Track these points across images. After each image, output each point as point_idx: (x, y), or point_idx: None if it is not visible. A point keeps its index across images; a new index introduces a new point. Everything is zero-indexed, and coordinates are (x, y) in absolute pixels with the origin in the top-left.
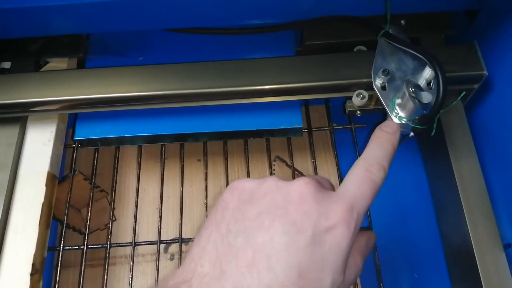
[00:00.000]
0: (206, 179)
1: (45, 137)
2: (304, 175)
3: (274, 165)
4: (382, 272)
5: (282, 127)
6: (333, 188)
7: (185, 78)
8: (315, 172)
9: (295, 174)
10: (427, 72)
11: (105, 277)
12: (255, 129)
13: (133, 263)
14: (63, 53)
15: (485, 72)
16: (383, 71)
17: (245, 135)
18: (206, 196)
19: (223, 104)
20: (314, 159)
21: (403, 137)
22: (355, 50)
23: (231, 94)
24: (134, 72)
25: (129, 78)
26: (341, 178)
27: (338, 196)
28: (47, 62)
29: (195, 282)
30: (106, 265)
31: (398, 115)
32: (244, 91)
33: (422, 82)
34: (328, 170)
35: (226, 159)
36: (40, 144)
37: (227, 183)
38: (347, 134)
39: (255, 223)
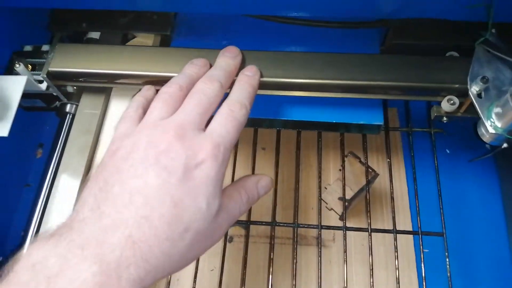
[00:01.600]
0: (277, 166)
1: None
2: (378, 174)
3: (345, 161)
4: (452, 278)
5: (361, 122)
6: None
7: (272, 66)
8: (390, 173)
9: (369, 172)
10: None
11: None
12: (333, 121)
13: None
14: (151, 29)
15: None
16: (482, 78)
17: (321, 127)
18: (276, 183)
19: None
20: (390, 159)
21: (494, 147)
22: (447, 55)
23: (318, 86)
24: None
25: (213, 60)
26: (416, 182)
27: (205, 135)
28: (134, 37)
29: (75, 225)
30: None
31: (493, 125)
32: (332, 84)
33: None
34: (399, 172)
35: (298, 149)
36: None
37: (297, 174)
38: (419, 138)
39: (130, 173)
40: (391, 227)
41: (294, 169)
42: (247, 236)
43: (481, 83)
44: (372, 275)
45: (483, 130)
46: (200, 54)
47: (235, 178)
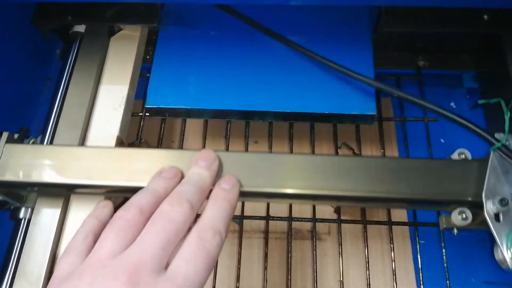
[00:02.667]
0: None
1: (116, 103)
2: None
3: (338, 153)
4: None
5: (353, 113)
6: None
7: (254, 172)
8: None
9: None
10: None
11: None
12: (325, 112)
13: None
14: (138, 21)
15: None
16: (501, 200)
17: (313, 118)
18: None
19: (295, 87)
20: (383, 149)
21: None
22: (456, 155)
23: (310, 196)
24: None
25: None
26: None
27: (166, 280)
28: (120, 29)
29: None
30: None
31: None
32: (325, 195)
33: None
34: None
35: (291, 140)
36: (110, 110)
37: None
38: (413, 127)
39: None
40: (386, 219)
41: None
42: (241, 231)
43: (499, 205)
44: (368, 268)
45: (500, 256)
46: (170, 156)
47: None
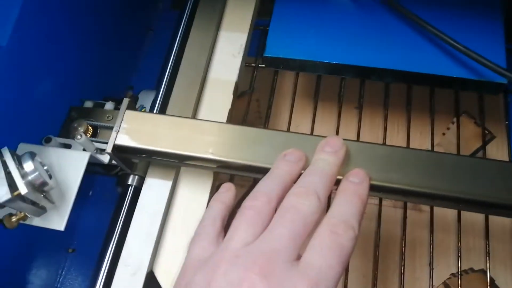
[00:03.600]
0: (386, 120)
1: (235, 50)
2: (494, 136)
3: (453, 122)
4: None
5: (482, 79)
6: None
7: (385, 166)
8: (508, 136)
9: (485, 134)
10: None
11: None
12: (450, 75)
13: None
14: None
15: None
16: None
17: (434, 82)
18: (384, 137)
19: (418, 49)
20: (508, 121)
21: None
22: None
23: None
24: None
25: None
26: None
27: (299, 271)
28: None
29: None
30: None
31: None
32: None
33: None
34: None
35: (409, 104)
36: (230, 56)
37: (408, 130)
38: None
39: None
40: None
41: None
42: None
43: None
44: None
45: None
46: (290, 139)
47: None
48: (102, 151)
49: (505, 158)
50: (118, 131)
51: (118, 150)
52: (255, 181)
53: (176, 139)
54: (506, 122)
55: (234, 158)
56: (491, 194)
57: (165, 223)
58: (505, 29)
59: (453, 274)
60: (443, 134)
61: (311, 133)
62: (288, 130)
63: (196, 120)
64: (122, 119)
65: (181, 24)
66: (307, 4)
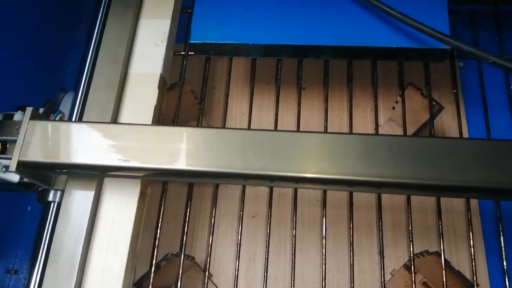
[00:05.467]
0: (326, 101)
1: (157, 37)
2: (443, 106)
3: (400, 95)
4: None
5: (424, 47)
6: None
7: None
8: (457, 106)
9: (433, 105)
10: None
11: None
12: (392, 46)
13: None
14: None
15: None
16: None
17: (376, 55)
18: (326, 120)
19: (356, 21)
20: (457, 89)
21: None
22: None
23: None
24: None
25: None
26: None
27: None
28: None
29: None
30: None
31: None
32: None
33: None
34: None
35: (350, 82)
36: (152, 46)
37: (350, 110)
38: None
39: None
40: None
41: (339, 109)
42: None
43: None
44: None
45: None
46: (214, 134)
47: (279, 124)
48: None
49: (451, 131)
50: (22, 145)
51: (25, 166)
52: (190, 185)
53: (90, 148)
54: (454, 91)
55: (160, 164)
56: (437, 177)
57: (90, 241)
58: None
59: (416, 255)
60: (393, 108)
61: (248, 124)
62: (224, 121)
63: (110, 124)
64: (26, 131)
65: (98, 15)
66: None
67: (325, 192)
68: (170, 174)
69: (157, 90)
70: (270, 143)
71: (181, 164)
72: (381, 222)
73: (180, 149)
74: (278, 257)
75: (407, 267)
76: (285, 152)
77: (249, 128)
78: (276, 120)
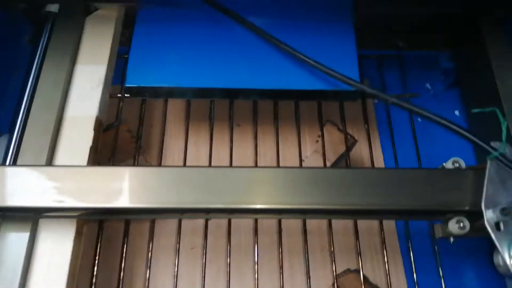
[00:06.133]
0: (255, 137)
1: (93, 82)
2: (356, 140)
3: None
4: None
5: (338, 89)
6: None
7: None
8: (369, 138)
9: (348, 139)
10: None
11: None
12: (311, 89)
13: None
14: None
15: None
16: (503, 210)
17: (298, 96)
18: (256, 154)
19: (280, 65)
20: (367, 124)
21: None
22: (450, 163)
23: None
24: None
25: None
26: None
27: None
28: (96, 9)
29: None
30: None
31: None
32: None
33: None
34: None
35: (277, 119)
36: (88, 90)
37: (278, 146)
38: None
39: None
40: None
41: (272, 143)
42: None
43: (500, 215)
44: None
45: (500, 262)
46: (148, 173)
47: (214, 160)
48: None
49: (365, 161)
50: None
51: None
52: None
53: (25, 191)
54: (366, 126)
55: (94, 203)
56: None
57: (26, 284)
58: (357, 36)
59: (342, 274)
60: (317, 141)
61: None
62: (160, 158)
63: (44, 167)
64: None
65: (34, 60)
66: (167, 29)
67: (256, 221)
68: (105, 213)
69: (92, 132)
70: (203, 178)
71: (115, 202)
72: (307, 244)
73: (113, 188)
74: (215, 285)
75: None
76: (217, 186)
77: (184, 164)
78: (210, 156)
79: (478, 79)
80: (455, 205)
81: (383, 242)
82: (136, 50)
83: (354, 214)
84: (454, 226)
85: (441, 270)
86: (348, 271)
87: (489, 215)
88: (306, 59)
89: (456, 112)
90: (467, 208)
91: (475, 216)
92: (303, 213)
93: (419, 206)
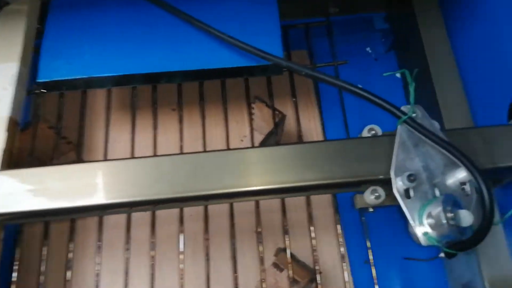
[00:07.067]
0: (181, 121)
1: (5, 81)
2: (285, 115)
3: (253, 107)
4: None
5: (263, 64)
6: None
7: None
8: (297, 113)
9: (276, 114)
10: (461, 174)
11: None
12: (236, 66)
13: None
14: None
15: None
16: (409, 176)
17: (223, 75)
18: (181, 139)
19: (201, 44)
20: (295, 98)
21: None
22: (366, 131)
23: (221, 195)
24: None
25: None
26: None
27: None
28: (6, 3)
29: None
30: None
31: (427, 235)
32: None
33: (454, 182)
34: (308, 113)
35: (202, 99)
36: (0, 90)
37: (204, 130)
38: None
39: None
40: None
41: (201, 127)
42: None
43: (407, 182)
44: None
45: (412, 232)
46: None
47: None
48: None
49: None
50: None
51: None
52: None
53: None
54: (294, 99)
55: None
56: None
57: None
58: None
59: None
60: (252, 119)
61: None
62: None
63: None
64: None
65: None
66: (81, 18)
67: (181, 209)
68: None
69: (6, 133)
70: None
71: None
72: (234, 228)
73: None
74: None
75: (275, 265)
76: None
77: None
78: (132, 146)
79: (408, 40)
80: (369, 174)
81: (309, 217)
82: (48, 42)
83: (259, 194)
84: (369, 197)
85: (369, 241)
86: (279, 250)
87: (398, 183)
88: (221, 35)
89: (398, 75)
90: (381, 177)
91: (389, 184)
92: (230, 197)
93: (330, 179)
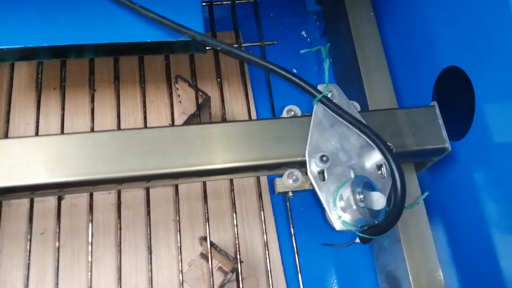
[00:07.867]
0: (92, 101)
1: None
2: (209, 96)
3: (177, 88)
4: None
5: (184, 39)
6: None
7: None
8: (221, 93)
9: (199, 95)
10: (377, 156)
11: None
12: (155, 40)
13: None
14: None
15: (447, 146)
16: (321, 157)
17: (141, 50)
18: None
19: (117, 16)
20: (220, 78)
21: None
22: (285, 112)
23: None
24: None
25: None
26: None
27: None
28: None
29: None
30: None
31: (340, 219)
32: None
33: (370, 164)
34: (235, 93)
35: (117, 78)
36: None
37: (119, 110)
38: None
39: None
40: None
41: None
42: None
43: (320, 163)
44: None
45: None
46: None
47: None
48: None
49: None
50: None
51: None
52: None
53: None
54: (218, 80)
55: None
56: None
57: None
58: None
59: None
60: (180, 102)
61: None
62: None
63: None
64: None
65: None
66: None
67: (119, 195)
68: None
69: None
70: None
71: None
72: (150, 217)
73: None
74: (72, 271)
75: (202, 255)
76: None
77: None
78: (37, 127)
79: (337, 22)
80: (286, 156)
81: (233, 203)
82: None
83: (176, 177)
84: (287, 180)
85: (293, 228)
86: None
87: (313, 165)
88: (135, 7)
89: (331, 60)
90: (298, 159)
91: (306, 166)
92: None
93: (245, 161)
